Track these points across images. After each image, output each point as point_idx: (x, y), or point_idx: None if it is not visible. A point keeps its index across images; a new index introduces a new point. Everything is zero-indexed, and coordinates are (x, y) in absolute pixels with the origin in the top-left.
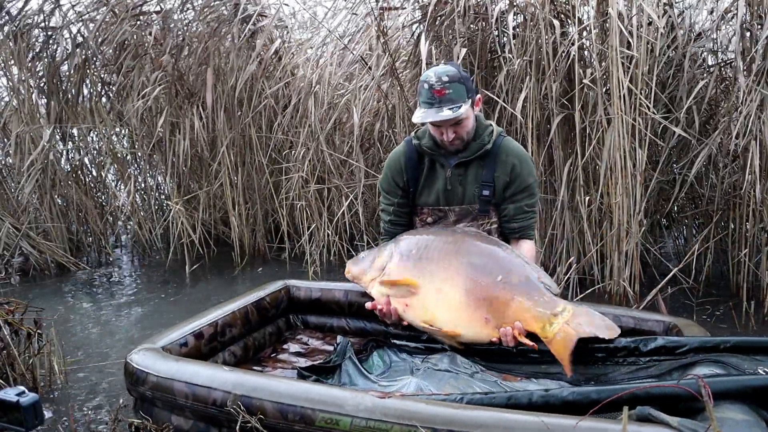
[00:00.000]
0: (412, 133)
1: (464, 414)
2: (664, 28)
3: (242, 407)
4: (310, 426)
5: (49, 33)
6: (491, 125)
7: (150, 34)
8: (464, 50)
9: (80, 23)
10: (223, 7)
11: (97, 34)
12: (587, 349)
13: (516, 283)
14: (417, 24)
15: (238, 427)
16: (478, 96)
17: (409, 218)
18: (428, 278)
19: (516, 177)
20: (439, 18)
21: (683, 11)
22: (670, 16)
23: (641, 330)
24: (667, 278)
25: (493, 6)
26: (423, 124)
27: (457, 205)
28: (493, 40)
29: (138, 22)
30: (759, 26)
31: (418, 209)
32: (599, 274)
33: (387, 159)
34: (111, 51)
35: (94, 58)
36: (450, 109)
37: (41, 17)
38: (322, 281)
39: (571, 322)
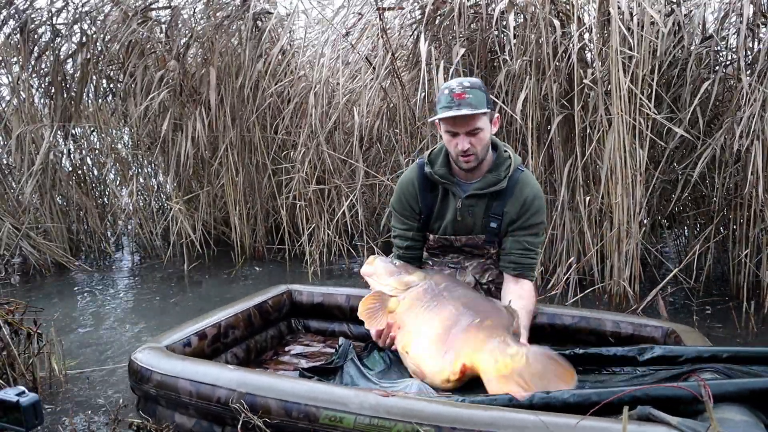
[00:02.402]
0: (426, 155)
1: (467, 413)
2: (672, 25)
3: (246, 405)
4: (314, 423)
5: (57, 29)
6: (510, 158)
7: (159, 31)
8: (463, 50)
9: (88, 20)
10: (230, 4)
11: (105, 31)
12: (583, 358)
13: (486, 325)
14: (416, 24)
15: (239, 427)
16: (497, 116)
17: (423, 245)
18: (426, 312)
19: (523, 214)
20: (438, 18)
21: (691, 11)
22: (677, 15)
23: (640, 336)
24: (667, 279)
25: (493, 6)
26: (442, 125)
27: (464, 235)
28: (492, 40)
29: (146, 21)
30: (763, 26)
31: (426, 235)
32: (599, 275)
33: (399, 181)
34: (117, 49)
35: (101, 56)
36: (468, 109)
37: (48, 14)
38: (324, 286)
39: (523, 370)
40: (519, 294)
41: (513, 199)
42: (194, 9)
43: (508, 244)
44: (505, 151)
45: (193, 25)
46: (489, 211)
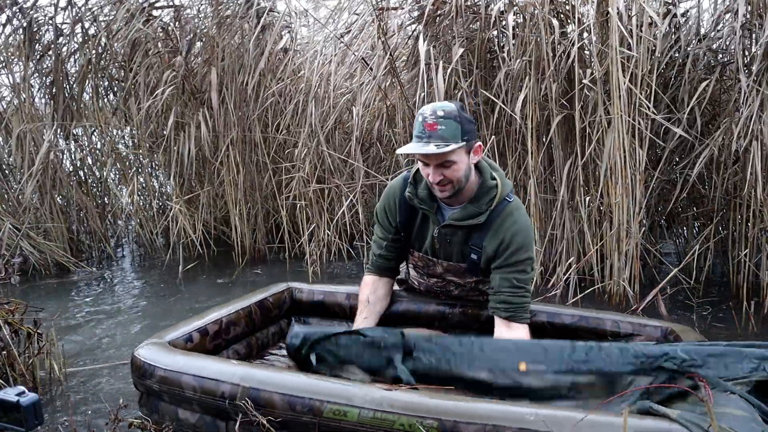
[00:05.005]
0: (413, 171)
1: (470, 406)
2: (668, 26)
3: (250, 399)
4: (319, 417)
5: (60, 28)
6: (496, 187)
7: (163, 29)
8: (462, 50)
9: (90, 18)
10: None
11: (108, 30)
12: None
13: None
14: (415, 24)
15: (238, 423)
16: (478, 144)
17: (400, 255)
18: None
19: (504, 251)
20: (437, 17)
21: (687, 11)
22: (674, 16)
23: (639, 336)
24: (667, 278)
25: (492, 5)
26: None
27: (445, 260)
28: (492, 40)
29: (149, 20)
30: (759, 26)
31: (410, 251)
32: (599, 274)
33: (387, 188)
34: (121, 48)
35: (104, 55)
36: (436, 145)
37: (52, 12)
38: (324, 284)
39: None
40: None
41: (492, 234)
42: (199, 7)
43: (496, 282)
44: (493, 178)
45: (197, 23)
46: (469, 242)
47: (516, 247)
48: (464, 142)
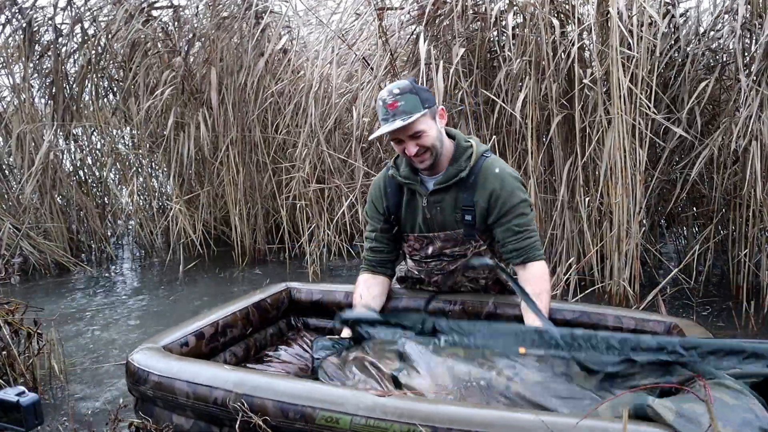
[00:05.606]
0: (391, 160)
1: (465, 412)
2: (668, 26)
3: (245, 406)
4: (311, 424)
5: (59, 28)
6: (471, 146)
7: (161, 30)
8: (463, 50)
9: (90, 18)
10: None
11: (107, 30)
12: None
13: None
14: (415, 24)
15: (237, 425)
16: (441, 108)
17: (393, 247)
18: None
19: (496, 201)
20: (438, 18)
21: (687, 11)
22: (673, 16)
23: (642, 331)
24: (667, 279)
25: (492, 5)
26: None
27: (440, 231)
28: (492, 40)
29: (149, 20)
30: (759, 26)
31: (405, 236)
32: (599, 275)
33: (371, 185)
34: (120, 48)
35: (104, 54)
36: (402, 119)
37: (51, 12)
38: (323, 283)
39: None
40: (526, 279)
41: (480, 188)
42: (197, 8)
43: (499, 235)
44: (467, 141)
45: (196, 24)
46: (459, 204)
47: (507, 194)
48: (426, 110)
